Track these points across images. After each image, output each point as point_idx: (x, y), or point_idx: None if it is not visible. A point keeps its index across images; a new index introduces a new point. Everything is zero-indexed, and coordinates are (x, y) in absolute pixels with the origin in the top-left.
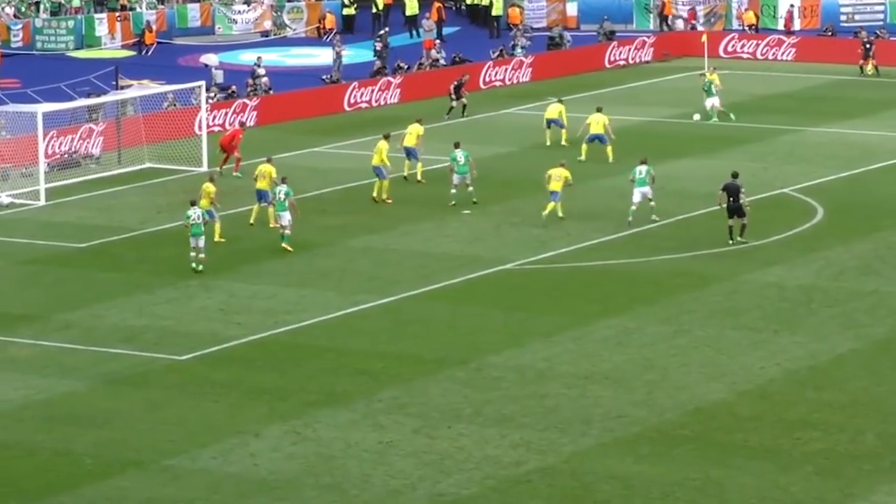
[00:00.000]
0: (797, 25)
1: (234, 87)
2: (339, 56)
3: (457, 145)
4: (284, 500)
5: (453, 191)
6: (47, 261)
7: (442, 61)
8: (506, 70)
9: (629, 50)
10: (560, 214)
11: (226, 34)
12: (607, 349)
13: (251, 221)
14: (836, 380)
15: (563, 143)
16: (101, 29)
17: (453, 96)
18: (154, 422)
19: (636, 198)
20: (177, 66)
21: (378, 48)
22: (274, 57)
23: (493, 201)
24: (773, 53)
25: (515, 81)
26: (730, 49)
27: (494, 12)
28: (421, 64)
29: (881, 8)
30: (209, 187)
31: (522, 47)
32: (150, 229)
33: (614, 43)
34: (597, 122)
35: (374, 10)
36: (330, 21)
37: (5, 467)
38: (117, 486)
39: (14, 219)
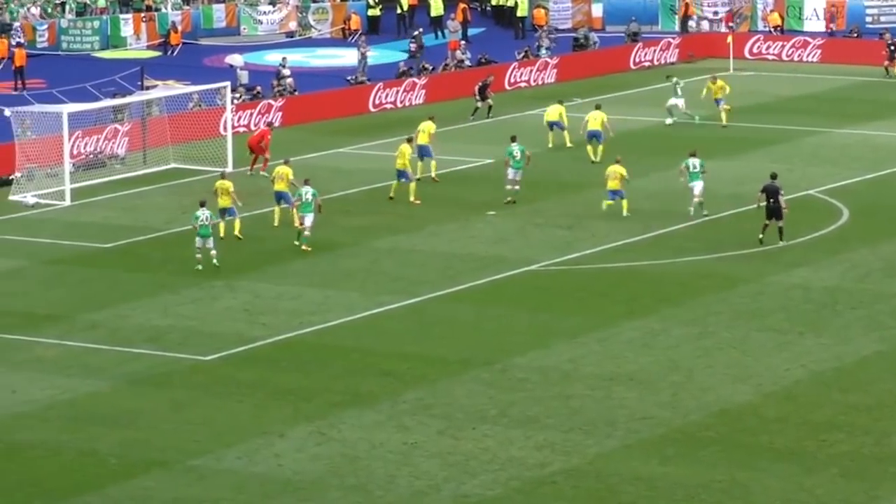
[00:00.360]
0: (822, 27)
1: (259, 88)
2: (364, 57)
3: (513, 139)
4: (309, 501)
5: (508, 186)
6: (73, 261)
7: (467, 62)
8: (531, 71)
9: (654, 51)
10: (625, 213)
11: (251, 35)
12: (632, 350)
13: (275, 223)
14: (861, 382)
15: (568, 144)
16: (127, 29)
17: (478, 97)
18: (179, 422)
19: (697, 190)
20: (202, 67)
21: (413, 48)
22: (299, 58)
23: (518, 202)
24: (799, 55)
25: (541, 82)
26: (755, 50)
27: (520, 13)
28: (446, 65)
29: None
30: (226, 184)
31: (547, 48)
32: (176, 230)
33: (639, 44)
34: (595, 119)
35: (399, 11)
36: (355, 22)
37: (30, 467)
38: (142, 487)
39: (40, 219)
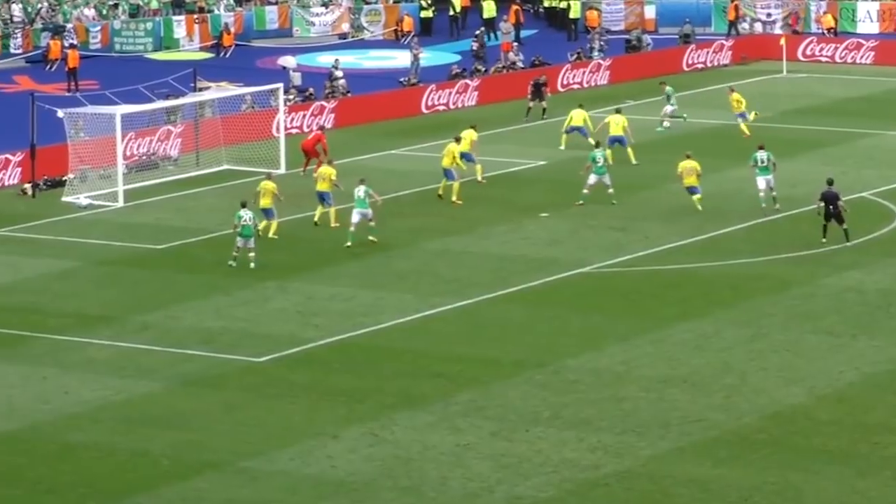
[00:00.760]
0: (875, 29)
1: (311, 90)
2: (416, 58)
3: (597, 145)
4: (362, 503)
5: (585, 191)
6: (125, 262)
7: (520, 64)
8: (583, 73)
9: (707, 53)
10: (699, 208)
11: (303, 36)
12: (685, 353)
13: (315, 220)
14: None
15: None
16: (179, 31)
17: (532, 98)
18: (232, 423)
19: (761, 185)
20: (254, 69)
21: (475, 48)
22: (351, 59)
23: (570, 204)
24: (852, 57)
25: (593, 84)
26: (808, 52)
27: (572, 15)
28: (499, 67)
29: None
30: (269, 185)
31: (600, 50)
32: (228, 231)
33: (692, 46)
34: (616, 124)
35: (451, 13)
36: (408, 23)
37: (83, 468)
38: (195, 488)
39: (92, 220)
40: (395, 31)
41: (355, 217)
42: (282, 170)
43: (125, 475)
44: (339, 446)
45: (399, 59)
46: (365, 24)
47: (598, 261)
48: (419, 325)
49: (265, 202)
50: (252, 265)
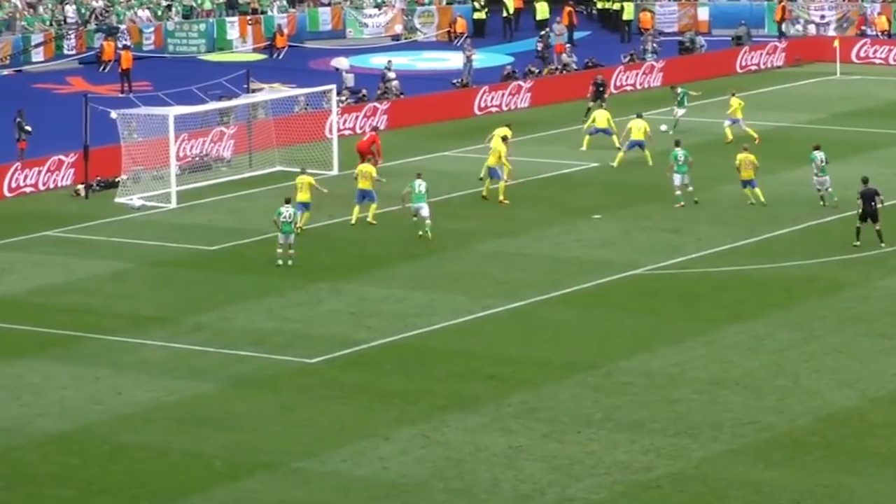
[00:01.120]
0: None
1: (364, 91)
2: (469, 60)
3: (677, 143)
4: None
5: (677, 192)
6: (178, 263)
7: (573, 66)
8: (636, 74)
9: (760, 55)
10: (763, 200)
11: (357, 38)
12: (738, 355)
13: (353, 222)
14: None
15: (616, 144)
16: (233, 32)
17: (594, 98)
18: (284, 424)
19: (820, 184)
20: (308, 70)
21: (540, 48)
22: (404, 61)
23: (623, 205)
24: None
25: (646, 86)
26: (862, 54)
27: (626, 16)
28: (552, 68)
29: None
30: (307, 179)
31: (653, 52)
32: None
33: (746, 48)
34: (638, 129)
35: (504, 15)
36: (461, 25)
37: (136, 468)
38: (247, 489)
39: (145, 221)
40: (448, 32)
41: (424, 211)
42: (335, 171)
43: (178, 476)
44: (390, 448)
45: (452, 60)
46: (418, 26)
47: (650, 263)
48: (471, 327)
49: (303, 196)
50: (290, 262)
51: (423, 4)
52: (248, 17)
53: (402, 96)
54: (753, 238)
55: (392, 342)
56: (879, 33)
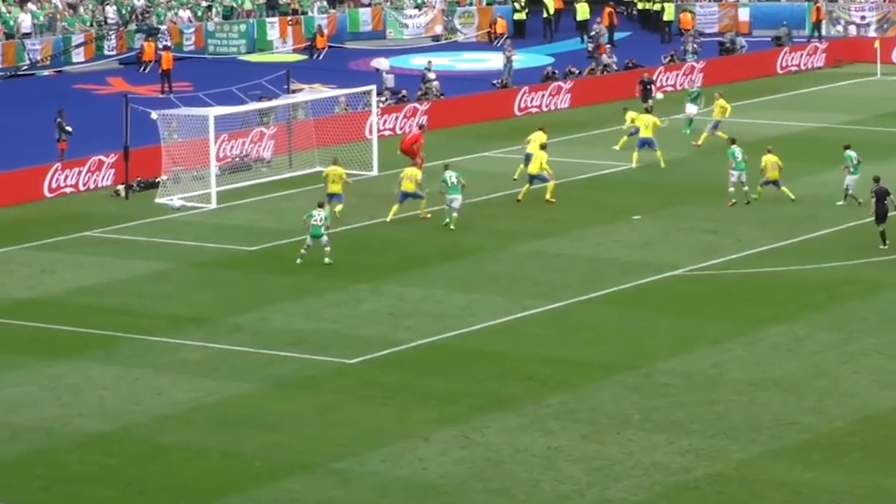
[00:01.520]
0: None
1: (404, 92)
2: (509, 60)
3: (733, 141)
4: None
5: (731, 189)
6: (218, 263)
7: (613, 66)
8: (677, 75)
9: (801, 55)
10: (792, 197)
11: (397, 38)
12: (777, 356)
13: (388, 219)
14: None
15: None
16: (273, 33)
17: (644, 98)
18: (323, 425)
19: (851, 183)
20: (348, 71)
21: (590, 48)
22: (444, 61)
23: (662, 206)
24: None
25: (687, 86)
26: None
27: (666, 17)
28: (592, 69)
29: None
30: (338, 170)
31: (694, 52)
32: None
33: (786, 48)
34: (646, 126)
35: (544, 15)
36: (501, 26)
37: (175, 469)
38: (286, 489)
39: (185, 221)
40: (489, 33)
41: (454, 202)
42: (374, 172)
43: (217, 476)
44: (430, 448)
45: (492, 61)
46: (458, 26)
47: (689, 263)
48: (510, 328)
49: (334, 187)
50: (326, 260)
51: (463, 5)
52: (289, 18)
53: (442, 97)
54: (793, 239)
55: (431, 343)
56: None
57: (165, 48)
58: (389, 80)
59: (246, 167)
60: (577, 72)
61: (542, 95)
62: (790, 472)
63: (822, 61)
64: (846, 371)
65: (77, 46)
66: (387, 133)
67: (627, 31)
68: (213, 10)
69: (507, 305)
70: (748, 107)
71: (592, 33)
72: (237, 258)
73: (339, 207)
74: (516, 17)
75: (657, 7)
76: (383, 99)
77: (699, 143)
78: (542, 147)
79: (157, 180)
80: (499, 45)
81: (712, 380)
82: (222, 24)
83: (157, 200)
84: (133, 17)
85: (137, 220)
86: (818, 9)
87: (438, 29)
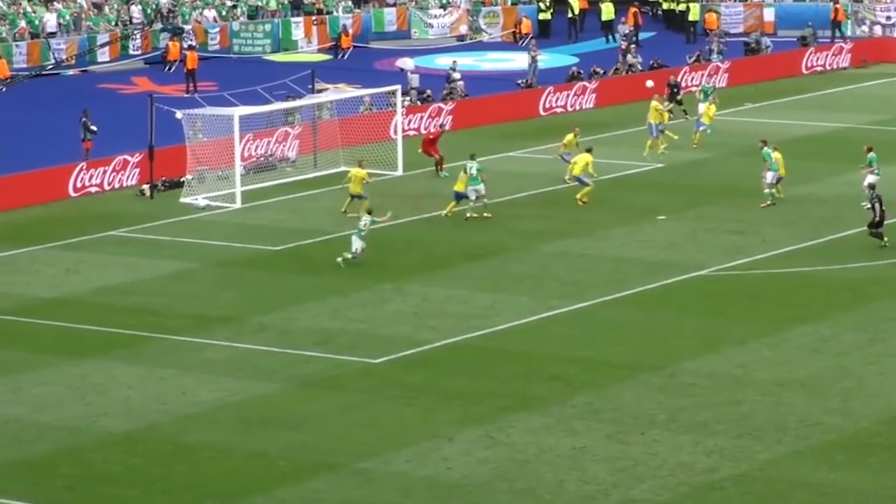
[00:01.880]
0: None
1: (429, 92)
2: (534, 60)
3: (764, 143)
4: None
5: (766, 190)
6: (243, 263)
7: (638, 66)
8: (702, 75)
9: (826, 56)
10: (781, 195)
11: (422, 38)
12: (803, 356)
13: (447, 213)
14: None
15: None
16: (298, 33)
17: (671, 99)
18: (347, 425)
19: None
20: (373, 70)
21: (624, 46)
22: (469, 61)
23: (688, 207)
24: None
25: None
26: None
27: (691, 17)
28: (617, 69)
29: None
30: (360, 172)
31: (719, 52)
32: (345, 233)
33: (811, 49)
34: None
35: (569, 15)
36: (526, 26)
37: (200, 468)
38: (311, 489)
39: (210, 221)
40: (513, 33)
41: (472, 194)
42: (399, 171)
43: (241, 476)
44: (454, 448)
45: (517, 61)
46: (483, 26)
47: (715, 264)
48: (535, 328)
49: (354, 188)
50: (339, 259)
51: (488, 5)
52: (314, 18)
53: (466, 97)
54: (819, 239)
55: (456, 343)
56: None
57: (190, 48)
58: (414, 80)
59: (271, 167)
60: (602, 72)
61: (567, 95)
62: (815, 473)
63: (848, 61)
64: (872, 372)
65: (102, 46)
66: (411, 133)
67: (652, 31)
68: (238, 9)
69: (531, 305)
70: (773, 107)
71: (626, 33)
72: (262, 258)
73: (365, 205)
74: (541, 17)
75: (682, 7)
76: (408, 99)
77: (695, 144)
78: (588, 150)
79: (181, 180)
80: (523, 45)
81: (738, 380)
82: (247, 24)
83: (182, 200)
84: (158, 16)
85: (162, 219)
86: (837, 9)
87: (463, 29)
